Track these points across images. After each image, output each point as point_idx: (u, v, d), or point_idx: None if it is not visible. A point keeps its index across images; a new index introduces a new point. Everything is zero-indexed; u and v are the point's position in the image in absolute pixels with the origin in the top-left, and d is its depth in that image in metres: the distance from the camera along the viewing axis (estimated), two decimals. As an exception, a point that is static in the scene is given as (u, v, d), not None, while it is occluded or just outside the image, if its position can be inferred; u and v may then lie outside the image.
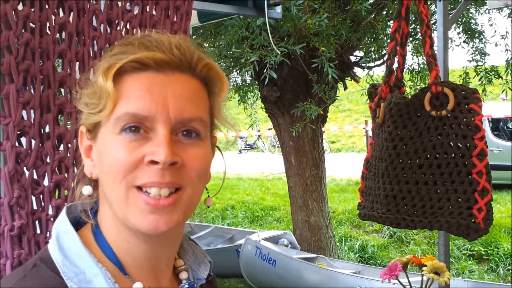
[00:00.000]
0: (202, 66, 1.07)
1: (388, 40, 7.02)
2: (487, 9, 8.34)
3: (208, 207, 1.19)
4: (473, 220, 1.89)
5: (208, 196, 1.18)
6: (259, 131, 22.85)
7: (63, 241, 1.05)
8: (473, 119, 1.91)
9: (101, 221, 1.10)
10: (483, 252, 10.10)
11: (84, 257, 1.02)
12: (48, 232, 1.71)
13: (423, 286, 2.20)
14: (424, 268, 2.14)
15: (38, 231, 1.69)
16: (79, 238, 1.05)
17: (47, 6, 1.69)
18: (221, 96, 1.12)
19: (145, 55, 1.01)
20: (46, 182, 1.71)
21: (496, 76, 8.36)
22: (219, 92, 1.12)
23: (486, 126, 14.31)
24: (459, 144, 1.93)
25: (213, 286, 1.31)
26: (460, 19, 8.21)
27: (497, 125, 15.51)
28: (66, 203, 1.74)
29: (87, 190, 1.11)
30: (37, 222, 1.69)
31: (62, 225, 1.08)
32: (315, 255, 8.83)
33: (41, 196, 1.70)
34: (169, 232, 1.03)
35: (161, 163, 0.97)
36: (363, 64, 8.80)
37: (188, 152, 1.02)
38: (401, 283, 2.23)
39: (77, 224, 1.10)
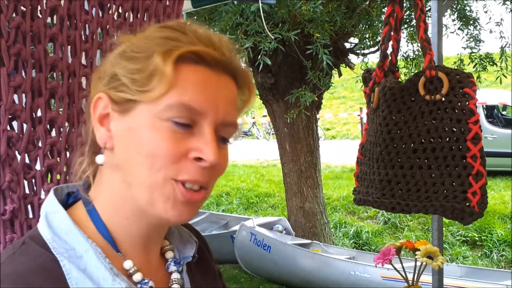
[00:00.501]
0: (242, 74, 1.08)
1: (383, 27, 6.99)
2: (482, -5, 8.34)
3: None
4: (467, 204, 1.89)
5: None
6: (253, 118, 22.87)
7: (53, 220, 1.05)
8: (467, 103, 1.90)
9: (96, 198, 1.09)
10: (477, 238, 10.16)
11: (74, 234, 1.02)
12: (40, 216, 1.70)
13: (417, 271, 2.20)
14: (417, 253, 2.15)
15: (31, 215, 1.68)
16: (68, 216, 1.05)
17: (38, -11, 1.68)
18: (246, 106, 1.13)
19: (205, 50, 1.00)
20: (38, 166, 1.70)
21: (491, 63, 8.37)
22: (246, 101, 1.13)
23: (481, 113, 14.34)
24: (453, 128, 1.93)
25: (207, 267, 1.31)
26: (454, 6, 8.20)
27: (492, 112, 15.57)
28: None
29: (101, 159, 1.07)
30: (29, 206, 1.68)
31: (50, 206, 1.08)
32: (309, 241, 8.87)
33: (33, 180, 1.69)
34: None
35: (209, 163, 0.99)
36: (357, 51, 8.80)
37: (221, 154, 1.04)
38: (394, 268, 2.23)
39: (65, 206, 1.09)
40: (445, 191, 1.94)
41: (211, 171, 1.02)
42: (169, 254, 1.20)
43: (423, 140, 2.00)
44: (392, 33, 2.21)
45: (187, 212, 1.02)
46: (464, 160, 1.90)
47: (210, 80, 1.01)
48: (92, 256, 1.00)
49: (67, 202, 1.12)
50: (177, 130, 0.98)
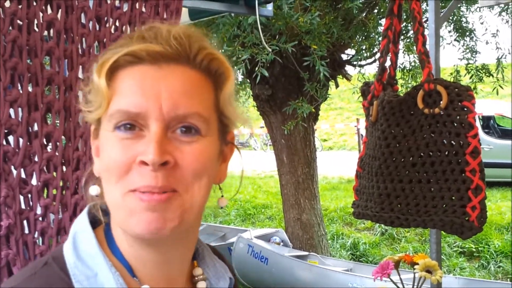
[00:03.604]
0: (202, 57, 1.00)
1: (380, 39, 7.01)
2: (478, 7, 8.36)
3: (221, 208, 1.13)
4: (467, 219, 1.88)
5: (222, 196, 1.12)
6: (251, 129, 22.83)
7: (80, 241, 1.01)
8: (466, 116, 1.90)
9: (111, 221, 1.05)
10: (474, 249, 10.13)
11: (98, 258, 0.99)
12: (36, 232, 1.68)
13: (415, 284, 2.19)
14: (416, 267, 2.14)
15: (26, 231, 1.67)
16: (95, 238, 1.01)
17: (34, 3, 1.67)
18: (227, 88, 1.04)
19: (139, 47, 0.95)
20: (34, 181, 1.68)
21: (487, 74, 8.38)
22: (225, 83, 1.04)
23: (477, 124, 14.33)
24: (452, 142, 1.92)
25: None
26: (451, 17, 8.21)
27: (488, 122, 15.60)
28: (54, 203, 1.73)
29: (94, 190, 1.05)
30: (25, 222, 1.66)
31: (80, 224, 1.05)
32: (307, 253, 8.83)
33: (29, 196, 1.67)
34: (168, 235, 0.96)
35: (150, 164, 0.91)
36: (354, 62, 8.79)
37: (184, 150, 0.95)
38: (393, 282, 2.22)
39: (95, 224, 1.07)
40: (444, 206, 1.93)
41: (172, 171, 0.94)
42: (201, 284, 1.13)
43: (422, 154, 1.99)
44: (390, 46, 2.21)
45: (156, 218, 0.93)
46: (463, 174, 1.90)
47: (149, 77, 0.95)
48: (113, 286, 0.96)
49: (96, 220, 1.08)
50: (123, 137, 0.94)
